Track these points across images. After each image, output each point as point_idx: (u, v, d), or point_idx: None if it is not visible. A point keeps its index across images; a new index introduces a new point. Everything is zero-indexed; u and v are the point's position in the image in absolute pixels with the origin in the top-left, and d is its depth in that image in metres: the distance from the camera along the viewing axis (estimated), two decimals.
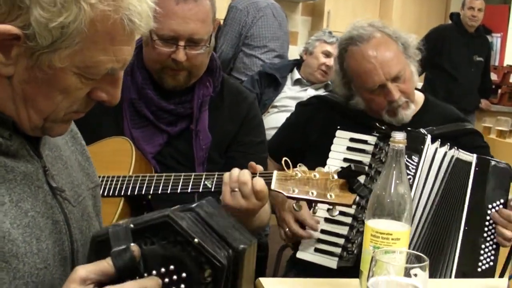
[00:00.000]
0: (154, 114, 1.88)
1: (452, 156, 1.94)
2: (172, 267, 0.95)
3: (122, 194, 1.70)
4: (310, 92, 4.05)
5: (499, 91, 6.90)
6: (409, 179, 1.87)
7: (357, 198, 1.91)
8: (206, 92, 1.91)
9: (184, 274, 0.95)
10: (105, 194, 1.69)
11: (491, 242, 1.90)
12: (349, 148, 2.05)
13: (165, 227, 0.95)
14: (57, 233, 1.08)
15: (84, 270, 0.94)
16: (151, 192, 1.70)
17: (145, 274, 0.96)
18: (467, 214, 1.89)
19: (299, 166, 1.62)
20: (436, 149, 1.93)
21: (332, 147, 2.07)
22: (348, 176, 1.58)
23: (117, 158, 1.80)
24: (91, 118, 1.66)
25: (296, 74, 4.15)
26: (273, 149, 2.28)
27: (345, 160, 2.03)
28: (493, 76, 6.71)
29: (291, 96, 4.08)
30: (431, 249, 1.87)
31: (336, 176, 1.59)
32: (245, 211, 1.62)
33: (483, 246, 1.89)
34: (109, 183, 1.71)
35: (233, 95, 1.99)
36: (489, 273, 1.88)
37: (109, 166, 1.76)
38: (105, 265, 0.94)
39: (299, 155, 2.16)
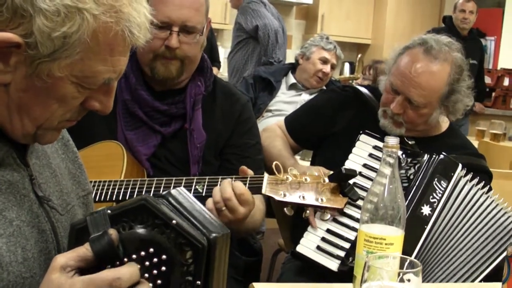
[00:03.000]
0: (148, 115, 1.88)
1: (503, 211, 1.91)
2: (151, 250, 0.95)
3: (114, 199, 1.69)
4: (305, 97, 4.05)
5: (493, 94, 6.93)
6: (434, 202, 1.87)
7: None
8: (198, 91, 1.91)
9: (164, 256, 0.95)
10: (97, 199, 1.68)
11: None
12: (371, 155, 2.04)
13: (142, 210, 0.95)
14: (43, 242, 1.07)
15: (63, 258, 0.94)
16: None
17: (125, 259, 0.95)
18: (493, 268, 1.85)
19: (290, 170, 1.62)
20: (461, 177, 1.92)
21: (354, 150, 2.06)
22: (339, 179, 1.58)
23: (109, 163, 1.79)
24: (84, 120, 1.65)
25: (291, 79, 4.15)
26: (292, 126, 2.31)
27: (365, 166, 2.02)
28: (487, 79, 6.74)
29: (285, 100, 4.08)
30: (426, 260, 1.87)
31: (327, 180, 1.59)
32: (235, 220, 1.62)
33: None
34: (100, 188, 1.71)
35: (226, 96, 2.00)
36: None
37: (101, 170, 1.76)
38: (84, 250, 0.93)
39: (318, 139, 2.18)
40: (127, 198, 1.69)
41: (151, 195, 1.01)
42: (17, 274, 1.00)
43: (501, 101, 6.89)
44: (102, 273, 0.92)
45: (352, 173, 1.57)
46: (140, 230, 0.95)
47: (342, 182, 1.58)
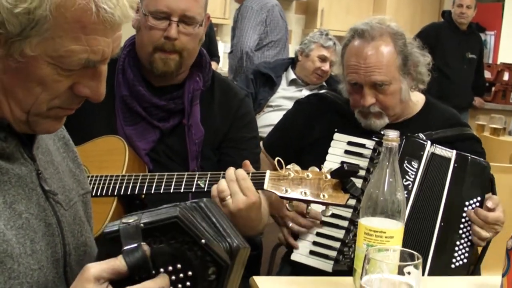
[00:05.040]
0: (146, 111, 1.88)
1: (429, 151, 1.91)
2: (179, 265, 0.98)
3: (115, 193, 1.69)
4: (305, 93, 4.04)
5: (493, 89, 6.93)
6: (408, 184, 1.86)
7: (353, 200, 1.91)
8: (196, 86, 1.91)
9: (190, 273, 0.98)
10: (98, 193, 1.68)
11: (466, 239, 1.88)
12: (347, 152, 2.03)
13: (174, 227, 0.97)
14: (50, 236, 1.08)
15: (97, 269, 0.95)
16: (144, 192, 1.70)
17: (153, 272, 0.97)
18: (443, 210, 1.88)
19: (292, 165, 1.62)
20: (433, 154, 1.91)
21: (330, 150, 2.05)
22: (341, 176, 1.58)
23: (110, 157, 1.79)
24: (84, 116, 1.66)
25: (291, 74, 4.14)
26: (268, 146, 2.29)
27: (343, 163, 2.01)
28: (487, 74, 6.74)
29: (286, 96, 4.07)
30: (406, 244, 1.86)
31: (329, 176, 1.59)
32: (236, 211, 1.59)
33: (457, 242, 1.88)
34: (102, 182, 1.71)
35: (224, 91, 2.00)
36: (462, 270, 1.87)
37: (103, 165, 1.76)
38: (117, 263, 0.95)
39: (295, 154, 2.16)
40: (129, 192, 1.69)
41: (189, 202, 1.04)
42: (26, 265, 1.01)
43: (501, 95, 6.89)
44: (146, 283, 0.95)
45: (354, 169, 1.57)
46: (170, 246, 0.98)
47: (344, 179, 1.58)
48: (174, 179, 1.69)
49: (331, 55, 4.08)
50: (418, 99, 2.17)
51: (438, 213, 1.88)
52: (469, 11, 5.85)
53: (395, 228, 1.39)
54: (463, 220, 1.90)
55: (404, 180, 1.86)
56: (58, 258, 1.10)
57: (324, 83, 4.15)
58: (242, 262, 1.07)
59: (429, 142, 1.92)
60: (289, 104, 3.88)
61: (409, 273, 1.13)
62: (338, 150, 2.04)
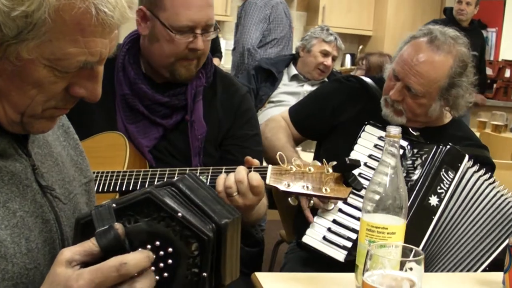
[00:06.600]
0: (149, 108, 1.88)
1: (465, 165, 1.91)
2: (158, 243, 0.95)
3: (117, 189, 1.70)
4: (307, 88, 4.06)
5: (494, 85, 6.92)
6: (441, 193, 1.87)
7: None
8: (199, 82, 1.92)
9: (170, 249, 0.95)
10: (100, 190, 1.68)
11: None
12: (376, 146, 2.05)
13: (147, 203, 0.95)
14: (47, 232, 1.07)
15: (69, 252, 0.93)
16: None
17: (131, 252, 0.94)
18: (495, 257, 1.87)
19: (294, 160, 1.63)
20: (468, 168, 1.92)
21: (359, 141, 2.07)
22: (343, 169, 1.58)
23: (112, 153, 1.79)
24: (84, 114, 1.66)
25: (293, 70, 4.14)
26: (298, 120, 2.33)
27: (370, 156, 2.03)
28: (488, 71, 6.73)
29: (288, 91, 4.08)
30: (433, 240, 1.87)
31: (331, 170, 1.59)
32: (243, 207, 1.62)
33: None
34: (103, 178, 1.71)
35: (225, 87, 2.00)
36: None
37: (104, 161, 1.76)
38: (90, 245, 0.93)
39: (321, 131, 2.23)
40: (130, 188, 1.69)
41: (163, 181, 1.00)
42: (21, 265, 0.99)
43: (502, 92, 6.89)
44: (108, 260, 0.91)
45: (356, 163, 1.57)
46: (146, 224, 0.95)
47: (345, 173, 1.58)
48: (176, 175, 1.69)
49: (333, 50, 4.09)
50: (447, 114, 2.21)
51: (490, 256, 1.88)
52: (468, 8, 5.83)
53: (397, 224, 1.39)
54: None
55: (439, 188, 1.88)
56: (56, 255, 1.09)
57: (326, 79, 4.15)
58: (237, 232, 1.03)
59: (467, 156, 1.93)
60: (291, 100, 3.89)
61: (411, 269, 1.13)
62: (368, 142, 2.07)
